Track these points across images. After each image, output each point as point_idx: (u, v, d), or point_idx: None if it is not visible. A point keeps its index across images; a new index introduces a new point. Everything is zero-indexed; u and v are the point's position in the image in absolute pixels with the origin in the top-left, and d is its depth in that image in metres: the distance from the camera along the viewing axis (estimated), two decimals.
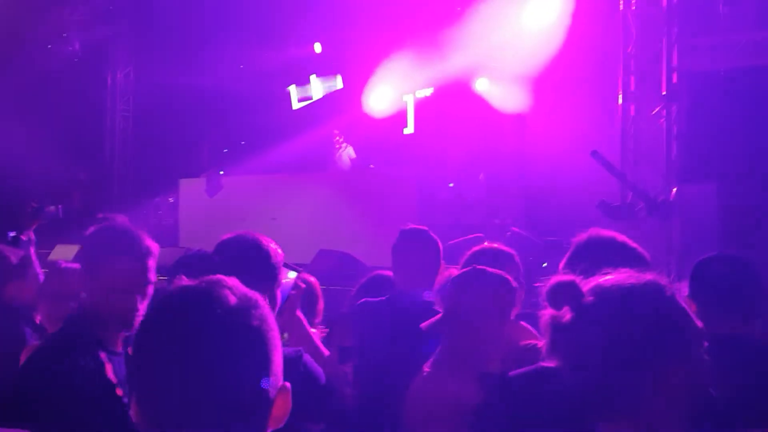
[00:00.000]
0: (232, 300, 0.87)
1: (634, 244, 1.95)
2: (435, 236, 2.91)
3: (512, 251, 2.82)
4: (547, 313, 1.15)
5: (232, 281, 0.91)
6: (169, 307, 0.88)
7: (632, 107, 7.97)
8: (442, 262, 2.85)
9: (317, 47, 12.73)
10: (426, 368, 2.06)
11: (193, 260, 2.65)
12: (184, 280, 0.90)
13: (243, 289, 0.91)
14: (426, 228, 2.91)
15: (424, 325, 2.10)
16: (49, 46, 12.60)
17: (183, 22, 12.44)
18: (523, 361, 1.80)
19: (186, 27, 12.60)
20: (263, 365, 0.88)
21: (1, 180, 10.32)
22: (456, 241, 7.21)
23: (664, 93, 7.61)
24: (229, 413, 0.84)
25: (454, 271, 2.32)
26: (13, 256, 2.77)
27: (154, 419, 0.83)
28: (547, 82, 10.19)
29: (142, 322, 0.90)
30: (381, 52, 11.28)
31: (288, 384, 0.93)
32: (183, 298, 0.87)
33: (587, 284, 1.15)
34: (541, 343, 2.43)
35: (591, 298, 1.11)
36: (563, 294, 1.13)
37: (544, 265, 6.21)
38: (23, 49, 10.91)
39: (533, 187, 9.36)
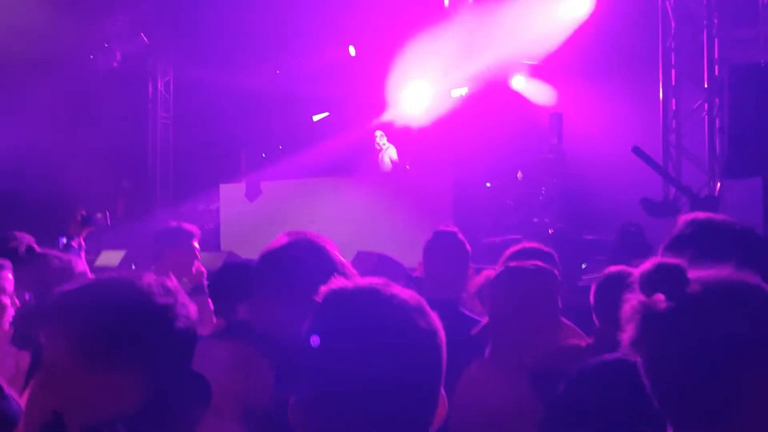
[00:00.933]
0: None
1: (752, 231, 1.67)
2: (463, 239, 2.84)
3: (552, 250, 2.79)
4: (634, 298, 1.03)
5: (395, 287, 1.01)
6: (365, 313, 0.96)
7: (673, 101, 7.82)
8: (471, 264, 2.79)
9: (352, 50, 12.80)
10: (474, 369, 2.04)
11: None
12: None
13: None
14: (455, 230, 2.86)
15: (473, 331, 2.08)
16: (92, 56, 12.92)
17: (220, 29, 12.63)
18: (568, 360, 1.76)
19: (223, 34, 12.79)
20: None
21: (50, 188, 10.61)
22: (494, 240, 7.17)
23: (705, 86, 7.45)
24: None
25: (491, 273, 2.31)
26: (57, 260, 2.79)
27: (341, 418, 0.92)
28: (585, 78, 10.06)
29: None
30: (416, 52, 11.28)
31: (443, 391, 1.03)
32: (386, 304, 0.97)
33: (691, 273, 1.03)
34: (584, 342, 2.41)
35: (698, 288, 1.00)
36: (664, 279, 1.01)
37: (584, 266, 6.12)
38: (67, 60, 11.21)
39: (572, 185, 9.23)
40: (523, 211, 8.99)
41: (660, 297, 1.00)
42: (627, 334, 1.02)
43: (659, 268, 1.02)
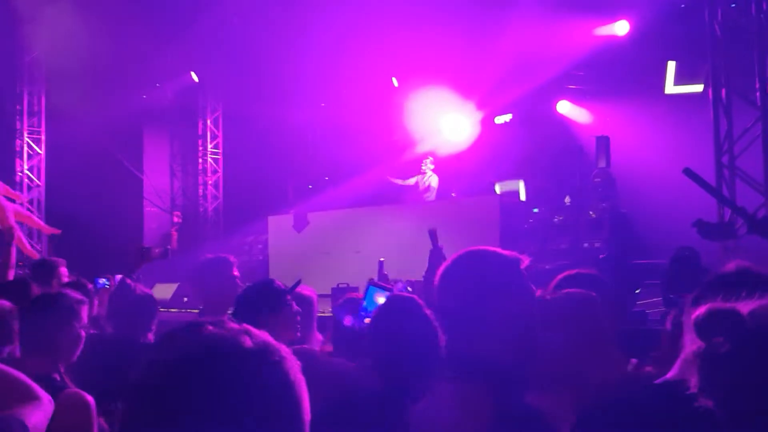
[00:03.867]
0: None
1: None
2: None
3: (603, 276, 2.72)
4: (695, 345, 1.01)
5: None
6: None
7: (725, 121, 7.63)
8: None
9: (395, 81, 12.94)
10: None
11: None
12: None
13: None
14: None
15: None
16: (144, 96, 13.38)
17: (266, 65, 12.93)
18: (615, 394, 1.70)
19: (269, 69, 13.08)
20: None
21: (109, 224, 10.91)
22: (543, 267, 7.06)
23: (759, 104, 7.26)
24: None
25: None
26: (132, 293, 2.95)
27: None
28: (631, 100, 9.93)
29: None
30: (460, 80, 11.33)
31: None
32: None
33: (743, 307, 1.00)
34: (641, 368, 2.32)
35: (754, 324, 0.97)
36: (720, 323, 0.98)
37: (638, 291, 5.97)
38: (120, 99, 11.63)
39: (622, 209, 9.06)
40: (572, 235, 8.84)
41: (719, 340, 0.98)
42: (694, 379, 1.00)
43: (713, 314, 1.00)
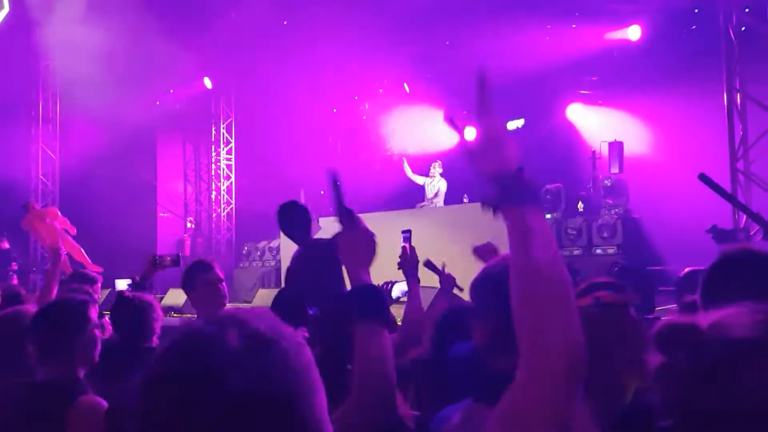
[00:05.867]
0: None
1: None
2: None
3: (623, 283, 2.69)
4: (654, 359, 0.97)
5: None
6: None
7: (739, 126, 7.57)
8: None
9: (406, 87, 12.98)
10: None
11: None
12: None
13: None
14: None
15: None
16: (158, 103, 13.46)
17: (278, 71, 12.97)
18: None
19: (282, 76, 13.13)
20: None
21: (123, 230, 10.97)
22: None
23: None
24: None
25: None
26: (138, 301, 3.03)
27: None
28: (645, 106, 9.88)
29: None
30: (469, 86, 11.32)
31: None
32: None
33: (706, 318, 0.96)
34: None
35: (713, 342, 0.94)
36: (677, 340, 0.96)
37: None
38: (134, 105, 11.70)
39: (635, 214, 9.01)
40: (585, 241, 8.80)
41: (680, 356, 0.96)
42: (657, 395, 0.98)
43: (671, 328, 0.97)
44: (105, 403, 2.15)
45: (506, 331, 1.09)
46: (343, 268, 1.45)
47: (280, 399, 0.76)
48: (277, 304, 3.04)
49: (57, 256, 3.85)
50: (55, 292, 3.72)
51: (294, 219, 4.31)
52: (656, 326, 0.98)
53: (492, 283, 1.20)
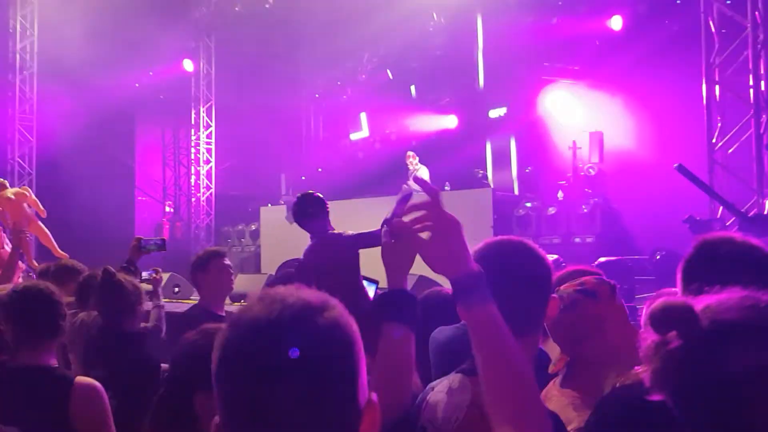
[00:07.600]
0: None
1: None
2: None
3: (601, 272, 2.71)
4: (649, 338, 1.02)
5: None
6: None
7: (718, 118, 7.65)
8: None
9: (389, 74, 12.92)
10: (553, 390, 1.98)
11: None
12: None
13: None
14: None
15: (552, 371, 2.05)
16: (137, 85, 13.29)
17: (260, 55, 12.87)
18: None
19: (262, 60, 13.02)
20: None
21: (100, 213, 10.85)
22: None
23: (751, 102, 7.29)
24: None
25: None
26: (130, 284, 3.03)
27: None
28: (625, 96, 9.95)
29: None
30: (452, 73, 11.33)
31: (375, 397, 0.87)
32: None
33: (700, 302, 1.01)
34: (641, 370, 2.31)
35: (706, 323, 0.99)
36: (673, 319, 1.00)
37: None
38: (113, 88, 11.54)
39: (613, 204, 9.10)
40: (564, 230, 8.87)
41: (673, 335, 1.00)
42: (647, 373, 1.02)
43: (666, 308, 1.01)
44: (99, 384, 2.14)
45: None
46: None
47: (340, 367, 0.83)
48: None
49: (19, 239, 3.80)
50: (17, 275, 3.66)
51: (311, 212, 4.42)
52: (651, 306, 1.02)
53: (481, 261, 1.25)
